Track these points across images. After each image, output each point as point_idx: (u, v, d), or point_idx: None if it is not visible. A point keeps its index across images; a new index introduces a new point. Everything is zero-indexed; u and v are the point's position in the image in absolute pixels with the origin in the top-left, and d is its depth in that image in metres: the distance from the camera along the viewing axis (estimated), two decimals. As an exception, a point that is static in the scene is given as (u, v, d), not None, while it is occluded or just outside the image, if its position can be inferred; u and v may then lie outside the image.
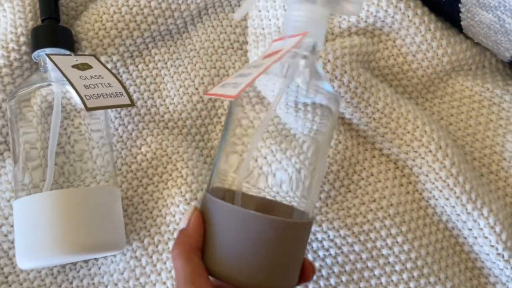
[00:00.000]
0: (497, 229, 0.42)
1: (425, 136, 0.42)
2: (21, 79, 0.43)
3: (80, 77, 0.39)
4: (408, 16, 0.44)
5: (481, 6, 0.41)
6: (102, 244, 0.38)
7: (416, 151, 0.43)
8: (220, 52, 0.48)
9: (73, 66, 0.40)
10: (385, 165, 0.44)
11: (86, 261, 0.43)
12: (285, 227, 0.32)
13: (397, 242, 0.42)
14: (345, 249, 0.42)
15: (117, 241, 0.39)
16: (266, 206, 0.36)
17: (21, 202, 0.37)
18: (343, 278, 0.42)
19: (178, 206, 0.42)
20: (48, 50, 0.41)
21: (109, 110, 0.44)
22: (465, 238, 0.43)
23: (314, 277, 0.42)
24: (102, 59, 0.45)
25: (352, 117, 0.44)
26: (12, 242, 0.41)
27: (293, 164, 0.39)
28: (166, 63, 0.47)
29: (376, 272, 0.42)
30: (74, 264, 0.43)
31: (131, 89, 0.46)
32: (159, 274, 0.42)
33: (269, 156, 0.40)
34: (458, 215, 0.42)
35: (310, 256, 0.42)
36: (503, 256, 0.42)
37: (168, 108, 0.46)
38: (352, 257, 0.42)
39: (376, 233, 0.42)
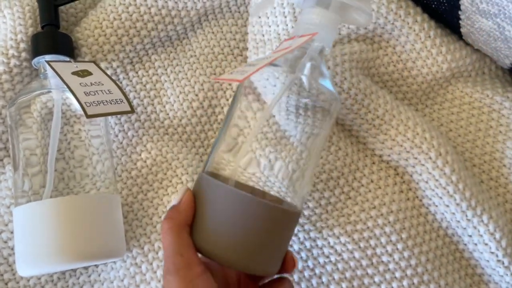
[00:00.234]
0: (497, 235, 0.42)
1: (425, 143, 0.43)
2: (21, 85, 0.43)
3: (80, 84, 0.39)
4: (408, 23, 0.44)
5: (481, 13, 0.41)
6: (102, 251, 0.38)
7: (416, 158, 0.43)
8: (220, 58, 0.48)
9: (73, 73, 0.40)
10: (385, 171, 0.44)
11: (86, 268, 0.43)
12: (276, 213, 0.33)
13: (397, 249, 0.42)
14: (345, 255, 0.42)
15: (117, 248, 0.39)
16: (258, 194, 0.37)
17: (21, 210, 0.37)
18: (343, 285, 0.42)
19: (178, 212, 0.42)
20: (48, 57, 0.41)
21: (109, 116, 0.44)
22: (465, 244, 0.43)
23: (315, 284, 0.42)
24: (102, 65, 0.45)
25: (352, 124, 0.44)
26: (12, 249, 0.41)
27: (286, 158, 0.40)
28: (166, 69, 0.47)
29: (376, 279, 0.42)
30: (74, 270, 0.43)
31: (131, 96, 0.46)
32: (159, 281, 0.42)
33: (267, 148, 0.41)
34: (458, 221, 0.43)
35: (310, 263, 0.42)
36: (503, 263, 0.42)
37: (168, 114, 0.46)
38: (352, 264, 0.42)
39: (376, 240, 0.42)
